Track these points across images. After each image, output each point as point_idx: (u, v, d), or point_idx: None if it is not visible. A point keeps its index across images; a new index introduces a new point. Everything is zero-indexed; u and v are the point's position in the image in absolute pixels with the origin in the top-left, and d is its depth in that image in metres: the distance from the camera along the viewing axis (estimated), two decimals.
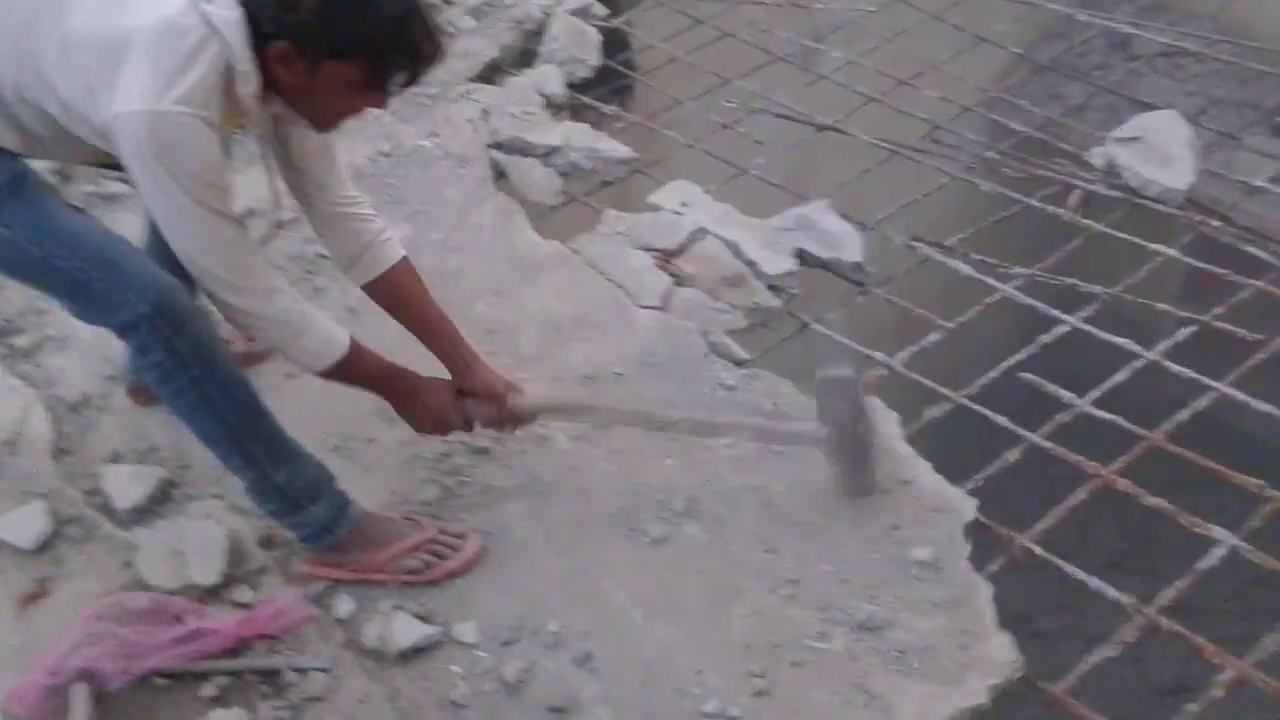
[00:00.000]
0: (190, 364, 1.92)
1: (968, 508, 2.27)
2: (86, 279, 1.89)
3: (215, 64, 1.76)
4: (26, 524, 2.29)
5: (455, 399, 2.20)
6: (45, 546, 2.26)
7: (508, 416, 2.22)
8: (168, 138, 1.74)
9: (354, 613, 2.13)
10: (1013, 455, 2.45)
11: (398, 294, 2.22)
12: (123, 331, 1.94)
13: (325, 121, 1.94)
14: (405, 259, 2.21)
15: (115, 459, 2.45)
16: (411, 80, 1.85)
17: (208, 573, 2.16)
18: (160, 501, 2.36)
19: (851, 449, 2.21)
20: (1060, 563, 2.25)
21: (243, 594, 2.16)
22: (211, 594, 2.15)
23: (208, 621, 2.04)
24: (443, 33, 1.87)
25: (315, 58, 1.78)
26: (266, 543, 2.26)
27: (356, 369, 2.06)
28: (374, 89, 1.85)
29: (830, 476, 2.26)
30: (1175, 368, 2.63)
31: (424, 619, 2.10)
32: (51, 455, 2.45)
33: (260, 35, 1.77)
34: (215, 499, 2.34)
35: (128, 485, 2.38)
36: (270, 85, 1.83)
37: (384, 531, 2.16)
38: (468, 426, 2.22)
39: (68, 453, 2.48)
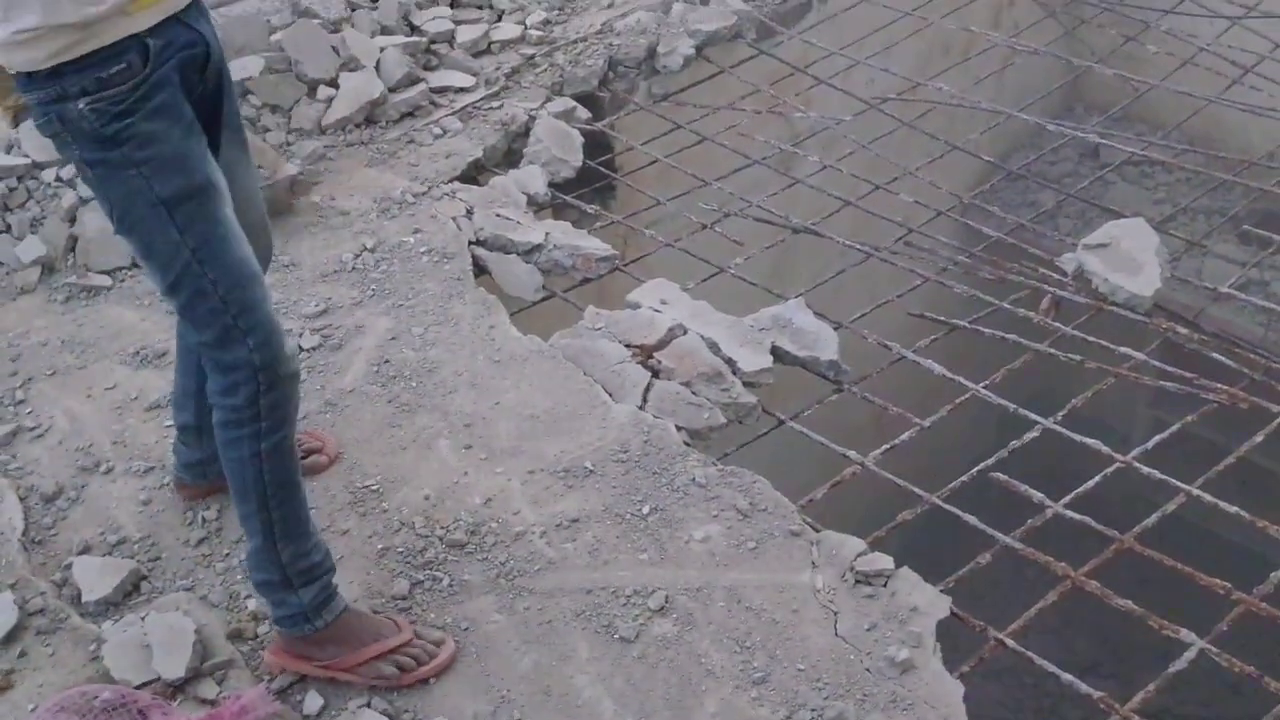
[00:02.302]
0: (262, 417, 1.96)
1: (941, 606, 2.27)
2: (223, 310, 1.91)
3: None
4: None
5: None
6: (11, 638, 2.25)
7: None
8: None
9: (322, 708, 2.11)
10: (985, 556, 2.46)
11: None
12: (220, 366, 1.96)
13: None
14: None
15: (86, 550, 2.45)
16: None
17: (174, 667, 2.14)
18: (129, 594, 2.35)
19: None
20: (1035, 658, 2.25)
21: (208, 689, 2.14)
22: (177, 688, 2.13)
23: (172, 718, 2.02)
24: None
25: None
26: (235, 636, 2.25)
27: None
28: None
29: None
30: (1146, 469, 2.65)
31: (392, 718, 2.08)
32: (22, 545, 2.44)
33: None
34: (185, 591, 2.33)
35: (97, 577, 2.37)
36: None
37: (362, 631, 2.14)
38: None
39: (39, 543, 2.48)
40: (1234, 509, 2.53)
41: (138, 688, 2.10)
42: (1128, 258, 3.23)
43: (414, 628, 2.18)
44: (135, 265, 3.16)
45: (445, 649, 2.16)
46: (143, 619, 2.25)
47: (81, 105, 1.78)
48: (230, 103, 2.08)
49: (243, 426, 1.98)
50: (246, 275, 1.94)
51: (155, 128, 1.82)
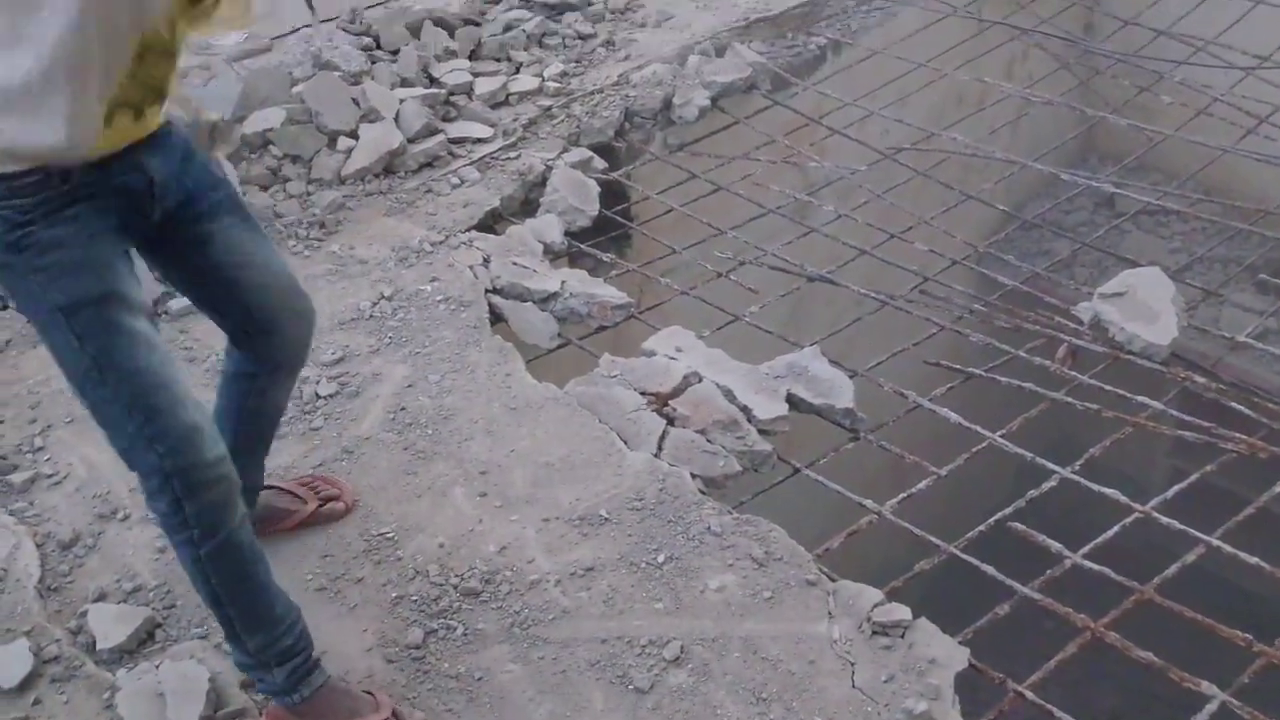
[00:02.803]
0: (191, 525, 1.92)
1: (960, 658, 2.25)
2: (126, 418, 1.89)
3: None
4: (9, 662, 2.28)
5: None
6: (26, 685, 2.25)
7: None
8: None
9: None
10: (1004, 607, 2.44)
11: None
12: (137, 472, 1.94)
13: None
14: None
15: (101, 597, 2.45)
16: None
17: (187, 715, 2.14)
18: (144, 642, 2.35)
19: None
20: (1055, 710, 2.22)
21: None
22: None
23: None
24: None
25: None
26: (248, 686, 2.24)
27: None
28: None
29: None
30: (1164, 519, 2.63)
31: None
32: (38, 593, 2.45)
33: None
34: (199, 640, 2.33)
35: (112, 625, 2.37)
36: None
37: (339, 707, 2.11)
38: None
39: (55, 590, 2.49)
40: (1254, 560, 2.50)
41: None
42: (1144, 307, 3.22)
43: (394, 705, 2.14)
44: (156, 313, 3.19)
45: None
46: (157, 667, 2.25)
47: None
48: (211, 196, 2.05)
49: (177, 533, 1.95)
50: (152, 383, 1.88)
51: (56, 235, 1.80)
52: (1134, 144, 4.91)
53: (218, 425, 2.33)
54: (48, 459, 2.81)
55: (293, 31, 4.40)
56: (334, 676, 2.15)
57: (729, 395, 2.94)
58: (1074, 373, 3.14)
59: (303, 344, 2.29)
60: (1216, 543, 2.57)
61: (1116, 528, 2.60)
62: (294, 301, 2.23)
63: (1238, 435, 2.85)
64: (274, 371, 2.29)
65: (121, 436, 1.92)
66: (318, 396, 2.92)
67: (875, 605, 2.33)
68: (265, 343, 2.23)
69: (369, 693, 2.16)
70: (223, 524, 1.94)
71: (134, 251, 2.00)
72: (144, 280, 2.21)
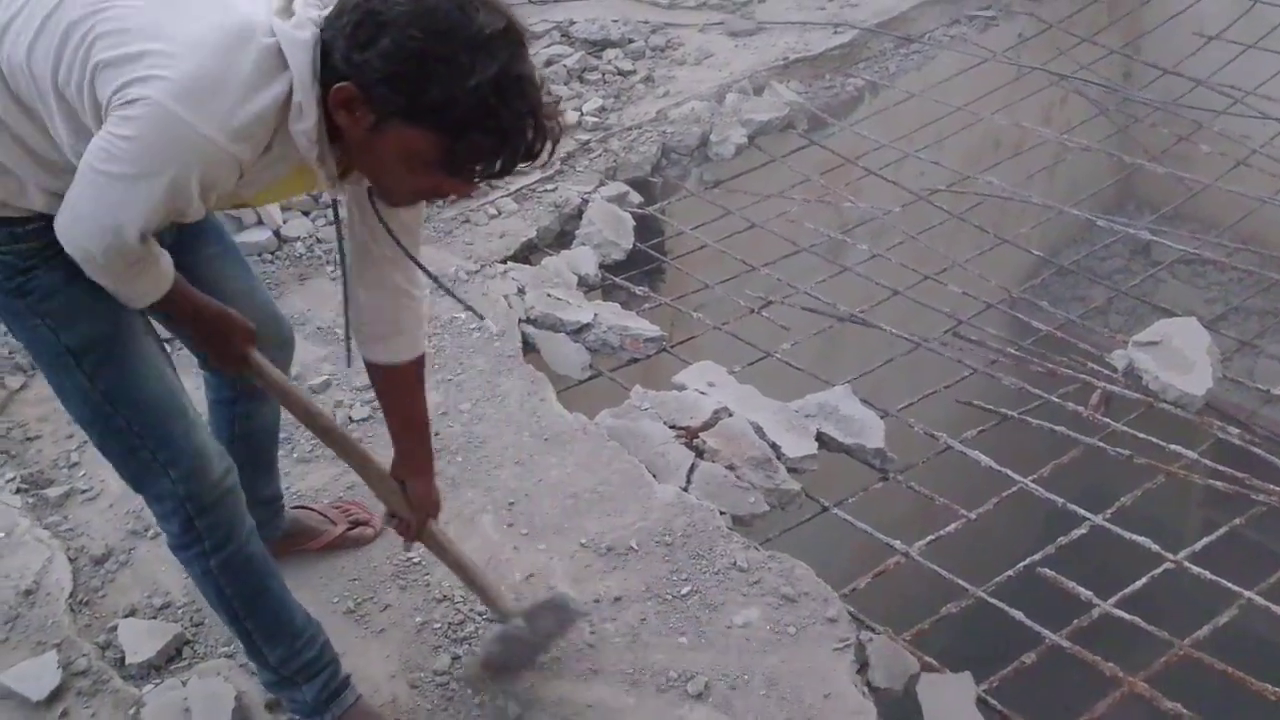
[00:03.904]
0: (203, 539, 1.94)
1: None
2: (139, 447, 1.89)
3: (280, 92, 1.54)
4: (37, 675, 2.30)
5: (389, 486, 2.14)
6: (54, 698, 2.27)
7: (416, 524, 2.15)
8: (188, 158, 1.53)
9: None
10: (1030, 655, 2.41)
11: (406, 383, 2.09)
12: (148, 498, 1.96)
13: (397, 194, 1.70)
14: (423, 353, 2.11)
15: (131, 613, 2.47)
16: (499, 170, 1.59)
17: None
18: (172, 658, 2.37)
19: (521, 651, 2.27)
20: None
21: None
22: None
23: None
24: (551, 118, 1.58)
25: (383, 113, 1.53)
26: (274, 705, 2.24)
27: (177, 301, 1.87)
28: (449, 170, 1.58)
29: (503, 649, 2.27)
30: (1195, 569, 2.61)
31: None
32: (69, 607, 2.47)
33: (328, 69, 1.54)
34: (226, 658, 2.34)
35: (141, 640, 2.39)
36: (332, 134, 1.60)
37: None
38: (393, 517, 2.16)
39: (86, 604, 2.51)
40: None
41: None
42: (1179, 356, 3.21)
43: None
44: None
45: None
46: (184, 684, 2.26)
47: None
48: (196, 231, 2.00)
49: (188, 549, 1.96)
50: (164, 411, 1.88)
51: (57, 279, 1.77)
52: (1172, 193, 4.90)
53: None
54: (83, 474, 2.85)
55: None
56: (364, 697, 2.15)
57: (759, 431, 2.95)
58: (1107, 419, 3.12)
59: (281, 369, 2.26)
60: (1249, 595, 2.54)
61: (1146, 578, 2.58)
62: (274, 331, 2.19)
63: (1270, 487, 2.82)
64: (253, 397, 2.27)
65: (132, 465, 1.92)
66: (350, 420, 2.95)
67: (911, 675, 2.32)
68: None
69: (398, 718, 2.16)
70: (233, 535, 1.95)
71: None
72: None
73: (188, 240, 1.98)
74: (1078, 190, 4.75)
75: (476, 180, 1.62)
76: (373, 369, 2.07)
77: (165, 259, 1.78)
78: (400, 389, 2.09)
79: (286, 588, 2.08)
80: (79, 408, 1.90)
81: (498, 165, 1.58)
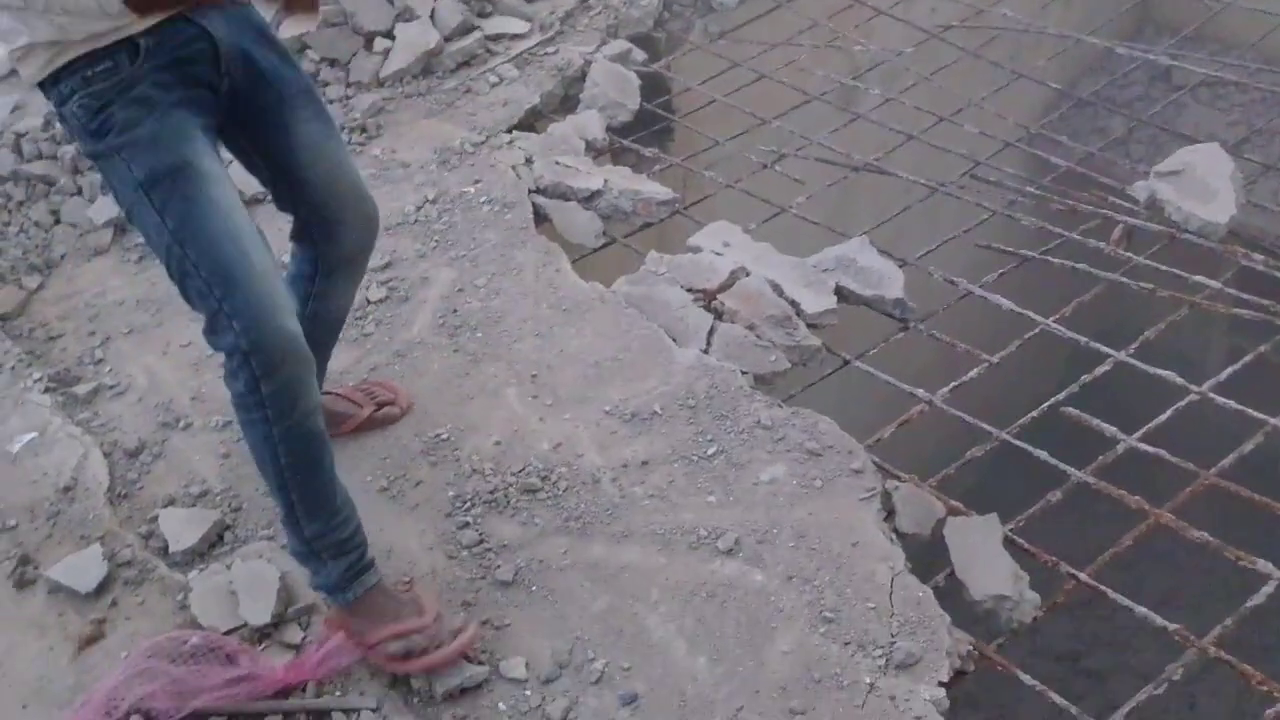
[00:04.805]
0: (266, 404, 1.96)
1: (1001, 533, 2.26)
2: (208, 293, 1.92)
3: None
4: (84, 568, 2.36)
5: None
6: (102, 589, 2.33)
7: None
8: None
9: None
10: (1056, 494, 2.44)
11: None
12: (217, 349, 1.98)
13: None
14: None
15: (170, 503, 2.52)
16: None
17: (260, 613, 2.21)
18: (214, 544, 2.43)
19: None
20: (1110, 592, 2.24)
21: (293, 634, 2.21)
22: (263, 634, 2.20)
23: (258, 666, 2.09)
24: None
25: None
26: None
27: None
28: None
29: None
30: (1221, 400, 2.60)
31: (468, 658, 2.13)
32: (108, 500, 2.53)
33: None
34: (267, 540, 2.40)
35: (182, 528, 2.44)
36: None
37: (383, 609, 2.13)
38: None
39: (125, 497, 2.56)
40: None
41: (225, 634, 2.18)
42: (1201, 184, 3.14)
43: (439, 612, 2.13)
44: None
45: (462, 637, 2.10)
46: (228, 567, 2.32)
47: (73, 104, 1.89)
48: (287, 83, 2.07)
49: (250, 411, 1.97)
50: (230, 256, 1.90)
51: (131, 115, 1.88)
52: (1191, 14, 4.74)
53: None
54: (109, 370, 2.88)
55: None
56: (384, 579, 2.18)
57: (777, 289, 2.93)
58: (1129, 254, 3.08)
59: (364, 249, 2.32)
60: (1274, 423, 2.54)
61: (1171, 410, 2.58)
62: (360, 205, 2.24)
63: None
64: (331, 274, 2.30)
65: (205, 312, 1.95)
66: (368, 302, 2.95)
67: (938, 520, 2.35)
68: (326, 243, 2.25)
69: (417, 598, 2.16)
70: (296, 405, 1.97)
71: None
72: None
73: (284, 100, 2.07)
74: (1095, 18, 4.59)
75: None
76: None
77: None
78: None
79: (335, 465, 2.11)
80: (157, 246, 1.96)
81: None
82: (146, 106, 1.88)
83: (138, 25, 1.85)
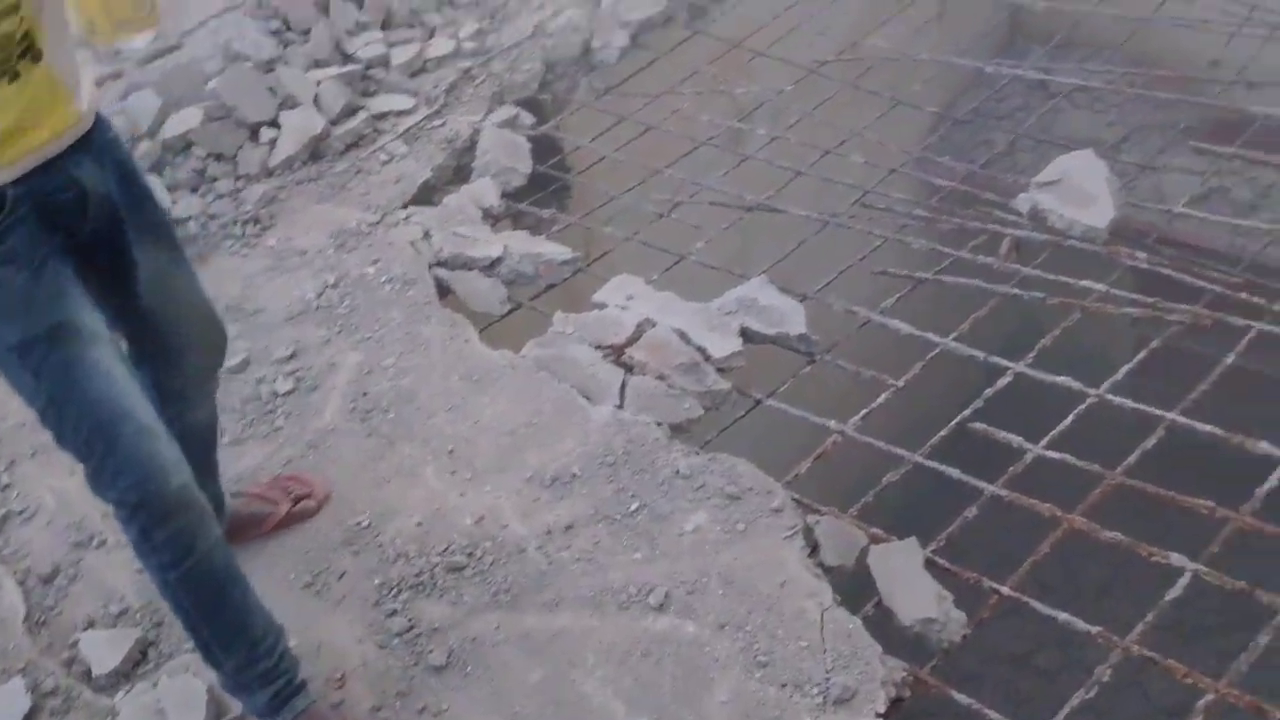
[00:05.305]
0: (160, 552, 1.93)
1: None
2: (89, 451, 1.89)
3: None
4: (7, 702, 2.31)
5: None
6: None
7: None
8: None
9: None
10: (972, 510, 2.49)
11: None
12: (109, 505, 1.95)
13: None
14: None
15: (90, 625, 2.47)
16: None
17: None
18: (138, 662, 2.38)
19: None
20: (1033, 602, 2.28)
21: None
22: None
23: None
24: None
25: None
26: None
27: None
28: None
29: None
30: (1119, 400, 2.68)
31: None
32: (26, 630, 2.47)
33: None
34: (191, 653, 2.34)
35: (105, 650, 2.39)
36: None
37: None
38: None
39: (43, 624, 2.50)
40: (1208, 429, 2.55)
41: None
42: (1079, 191, 3.25)
43: None
44: None
45: None
46: (155, 685, 2.27)
47: None
48: (144, 215, 2.04)
49: (146, 558, 1.95)
50: (110, 416, 1.87)
51: (1, 273, 1.80)
52: (1059, 23, 4.91)
53: None
54: (17, 495, 2.81)
55: (200, 25, 4.32)
56: (318, 701, 2.14)
57: (684, 337, 2.96)
58: (1018, 266, 3.17)
59: (210, 371, 2.29)
60: (1172, 417, 2.62)
61: (1072, 415, 2.65)
62: (208, 333, 2.22)
63: (1182, 306, 2.89)
64: (182, 399, 2.24)
65: (88, 468, 1.93)
66: (276, 395, 2.92)
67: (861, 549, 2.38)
68: (167, 370, 2.20)
69: (343, 716, 2.15)
70: (192, 550, 1.94)
71: None
72: None
73: (136, 238, 2.02)
74: (965, 38, 4.74)
75: None
76: None
77: None
78: None
79: (250, 593, 2.06)
80: (33, 403, 1.91)
81: None
82: (16, 264, 1.81)
83: (5, 175, 1.80)
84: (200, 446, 2.35)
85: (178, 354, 2.19)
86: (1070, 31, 4.61)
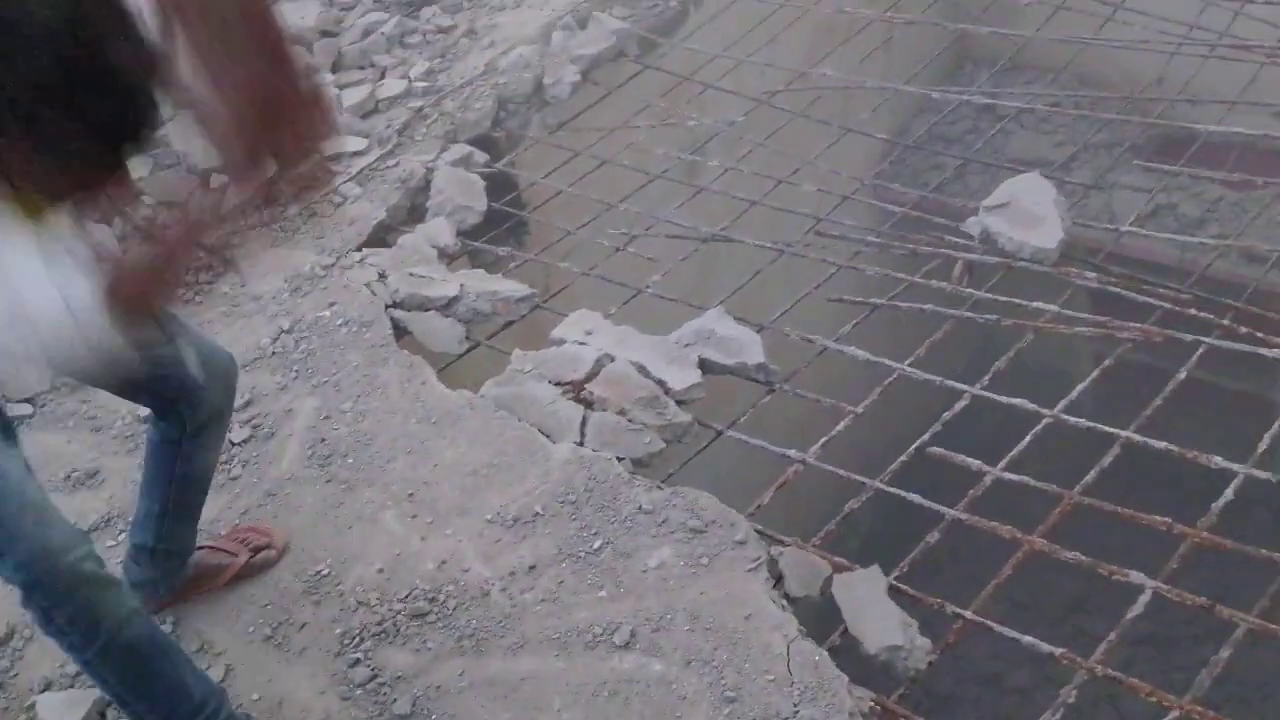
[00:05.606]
0: (68, 632, 1.88)
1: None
2: None
3: None
4: None
5: None
6: None
7: None
8: None
9: None
10: (934, 534, 2.50)
11: None
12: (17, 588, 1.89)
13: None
14: None
15: (47, 686, 2.42)
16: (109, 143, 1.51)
17: None
18: None
19: None
20: (996, 626, 2.29)
21: None
22: None
23: None
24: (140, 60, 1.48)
25: None
26: None
27: None
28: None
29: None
30: (1073, 420, 2.71)
31: None
32: None
33: None
34: None
35: (62, 712, 2.35)
36: None
37: None
38: None
39: (0, 687, 2.45)
40: (1162, 445, 2.58)
41: None
42: (1027, 213, 3.29)
43: None
44: (54, 389, 3.13)
45: None
46: None
47: None
48: None
49: (59, 641, 1.90)
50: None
51: None
52: (1003, 47, 4.97)
53: (146, 494, 2.30)
54: None
55: None
56: None
57: (643, 371, 2.96)
58: (970, 289, 3.20)
59: (224, 410, 2.27)
60: (1126, 434, 2.65)
61: (1029, 436, 2.67)
62: (217, 363, 2.20)
63: (1133, 324, 2.93)
64: (195, 438, 2.23)
65: None
66: (232, 444, 2.89)
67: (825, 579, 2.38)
68: (190, 410, 2.17)
69: None
70: (100, 625, 1.88)
71: None
72: None
73: None
74: (913, 64, 4.79)
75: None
76: None
77: None
78: None
79: (184, 661, 2.02)
80: None
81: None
82: None
83: None
84: (198, 491, 2.35)
85: (198, 391, 2.13)
86: (1016, 55, 4.67)
